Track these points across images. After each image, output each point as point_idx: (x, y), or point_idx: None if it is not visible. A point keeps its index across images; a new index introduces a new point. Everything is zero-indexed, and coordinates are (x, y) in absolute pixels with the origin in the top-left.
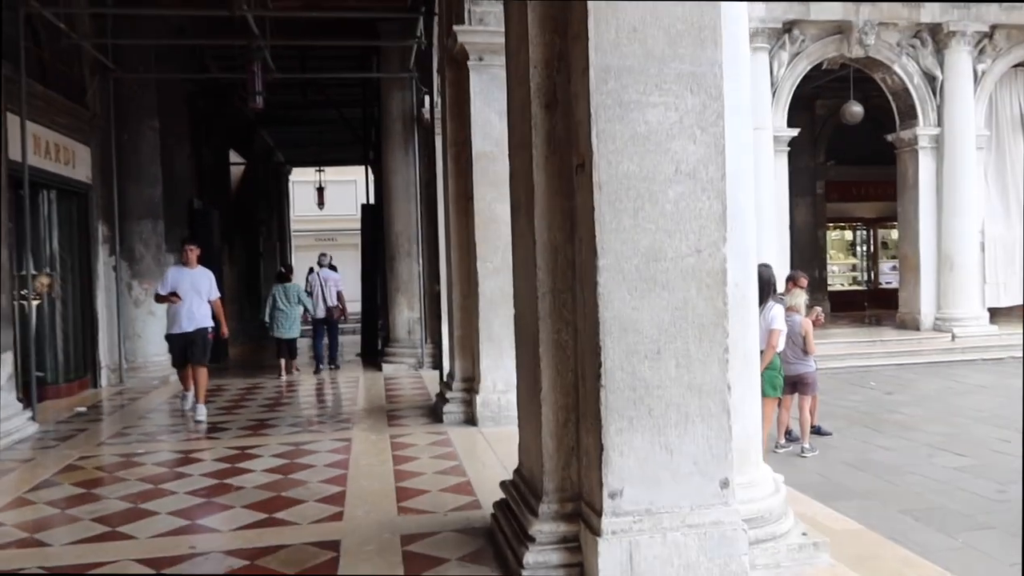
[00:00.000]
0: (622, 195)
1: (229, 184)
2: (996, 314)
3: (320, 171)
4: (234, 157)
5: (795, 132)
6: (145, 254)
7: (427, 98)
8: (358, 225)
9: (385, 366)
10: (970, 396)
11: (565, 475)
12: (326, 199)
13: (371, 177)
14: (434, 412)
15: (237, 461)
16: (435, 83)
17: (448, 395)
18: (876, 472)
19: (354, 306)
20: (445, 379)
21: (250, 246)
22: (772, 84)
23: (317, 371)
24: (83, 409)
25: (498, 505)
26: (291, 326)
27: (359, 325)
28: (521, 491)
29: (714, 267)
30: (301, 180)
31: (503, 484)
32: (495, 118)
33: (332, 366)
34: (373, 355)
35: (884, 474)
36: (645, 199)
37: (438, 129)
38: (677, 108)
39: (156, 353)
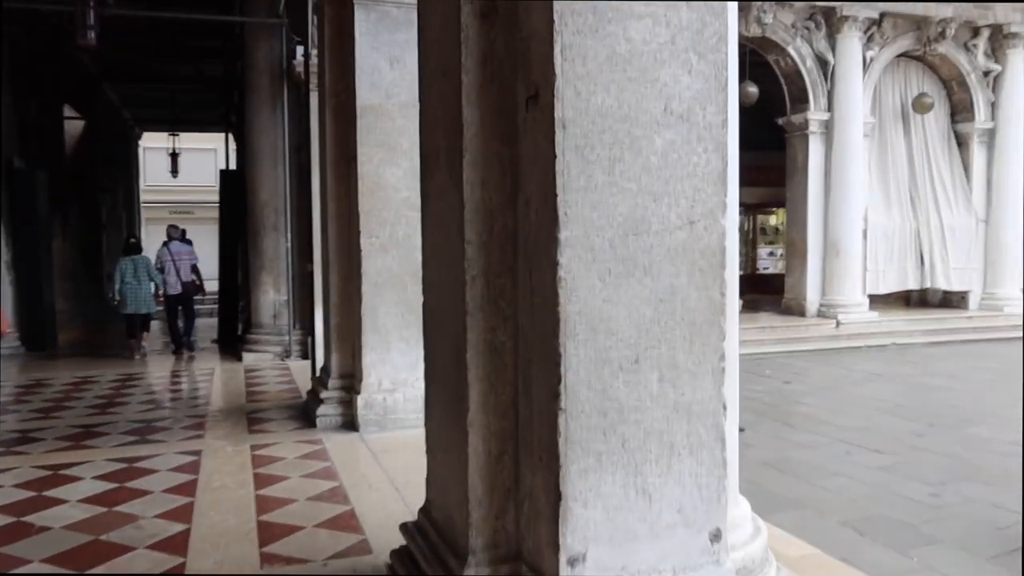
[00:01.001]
0: (594, 139)
1: (63, 144)
2: (874, 301)
3: (174, 135)
4: (72, 116)
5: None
6: None
7: (299, 49)
8: (216, 197)
9: (246, 355)
10: (867, 385)
11: (499, 526)
12: (182, 168)
13: (232, 144)
14: (305, 414)
15: (47, 487)
16: (311, 27)
17: (323, 394)
18: (800, 474)
19: (211, 285)
20: (319, 374)
21: (90, 216)
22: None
23: (176, 352)
24: None
25: (398, 556)
26: (144, 301)
27: (216, 307)
28: (432, 542)
29: (710, 244)
30: (153, 147)
31: (405, 528)
32: (384, 65)
33: (188, 349)
34: (231, 342)
35: (809, 477)
36: (625, 147)
37: (314, 82)
38: (668, 23)
39: None
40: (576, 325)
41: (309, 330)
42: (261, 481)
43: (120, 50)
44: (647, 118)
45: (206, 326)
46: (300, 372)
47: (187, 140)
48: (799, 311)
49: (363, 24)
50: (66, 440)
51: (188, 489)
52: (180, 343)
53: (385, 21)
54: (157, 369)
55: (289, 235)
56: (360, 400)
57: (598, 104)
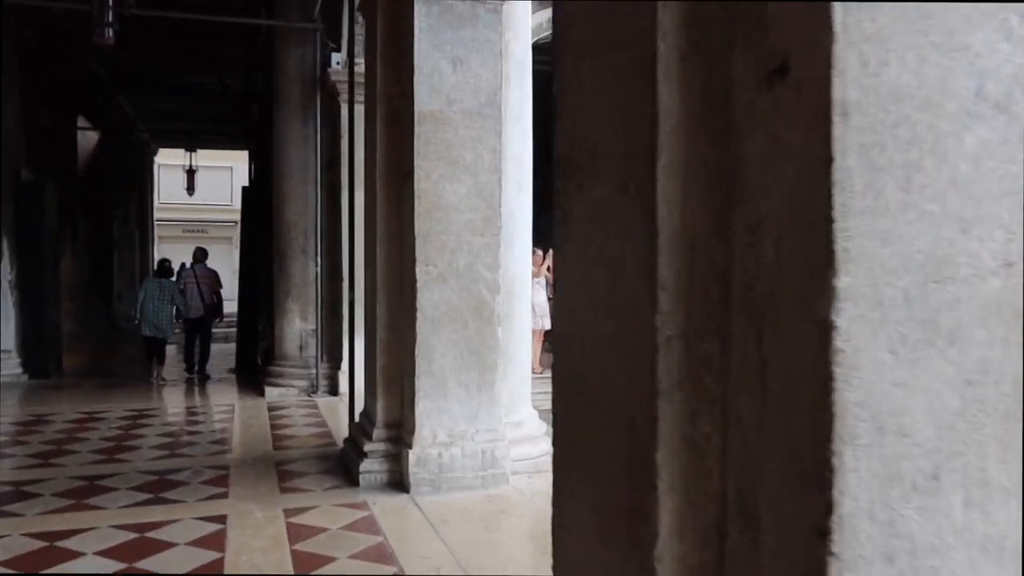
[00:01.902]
0: (885, 136)
1: (75, 157)
2: None
3: (191, 152)
4: (85, 126)
5: None
6: None
7: (335, 56)
8: (233, 217)
9: (269, 390)
10: None
11: None
12: (198, 185)
13: (253, 162)
14: (343, 467)
15: (39, 565)
16: (347, 28)
17: (367, 446)
18: None
19: (228, 307)
20: (358, 419)
21: (101, 233)
22: None
23: (190, 377)
24: None
25: None
26: (162, 325)
27: (234, 331)
28: None
29: None
30: (168, 163)
31: None
32: (446, 66)
33: (201, 375)
34: (251, 372)
35: None
36: (926, 148)
37: (356, 92)
38: None
39: None
40: (856, 423)
41: (338, 364)
42: (301, 563)
43: (137, 59)
44: (954, 105)
45: (223, 353)
46: (330, 411)
47: (203, 157)
48: None
49: (423, 19)
50: (66, 497)
51: (213, 570)
52: (194, 367)
53: (448, 16)
54: (171, 402)
55: (319, 259)
56: (411, 456)
57: (891, 81)
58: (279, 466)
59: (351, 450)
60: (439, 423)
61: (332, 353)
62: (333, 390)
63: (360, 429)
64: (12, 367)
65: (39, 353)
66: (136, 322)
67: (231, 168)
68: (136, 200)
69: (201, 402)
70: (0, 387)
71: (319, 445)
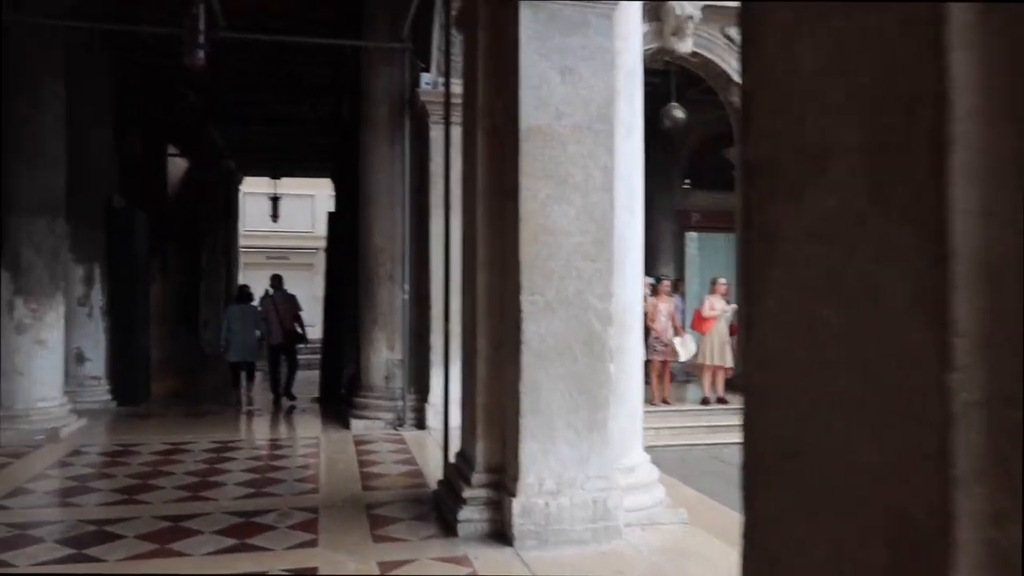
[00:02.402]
0: None
1: (165, 185)
2: None
3: (276, 179)
4: (174, 153)
5: None
6: (36, 262)
7: (424, 76)
8: (314, 244)
9: (355, 422)
10: None
11: None
12: (280, 213)
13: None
14: (438, 512)
15: None
16: (434, 48)
17: (465, 492)
18: None
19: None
20: (453, 460)
21: (189, 261)
22: None
23: (276, 401)
24: None
25: None
26: (249, 349)
27: (318, 358)
28: None
29: None
30: (252, 192)
31: None
32: (554, 76)
33: (288, 397)
34: (335, 401)
35: None
36: None
37: (441, 112)
38: None
39: (44, 397)
40: None
41: (425, 395)
42: None
43: (227, 88)
44: None
45: (306, 380)
46: (418, 446)
47: (285, 185)
48: None
49: (529, 26)
50: (150, 541)
51: None
52: (279, 392)
53: (556, 22)
54: (256, 433)
55: (406, 285)
56: (515, 505)
57: None
58: (370, 509)
59: (447, 494)
60: (546, 468)
61: (419, 384)
62: (420, 423)
63: (457, 472)
64: (102, 393)
65: (128, 380)
66: (223, 349)
67: (313, 196)
68: (223, 228)
69: (286, 434)
70: (90, 414)
71: (410, 486)
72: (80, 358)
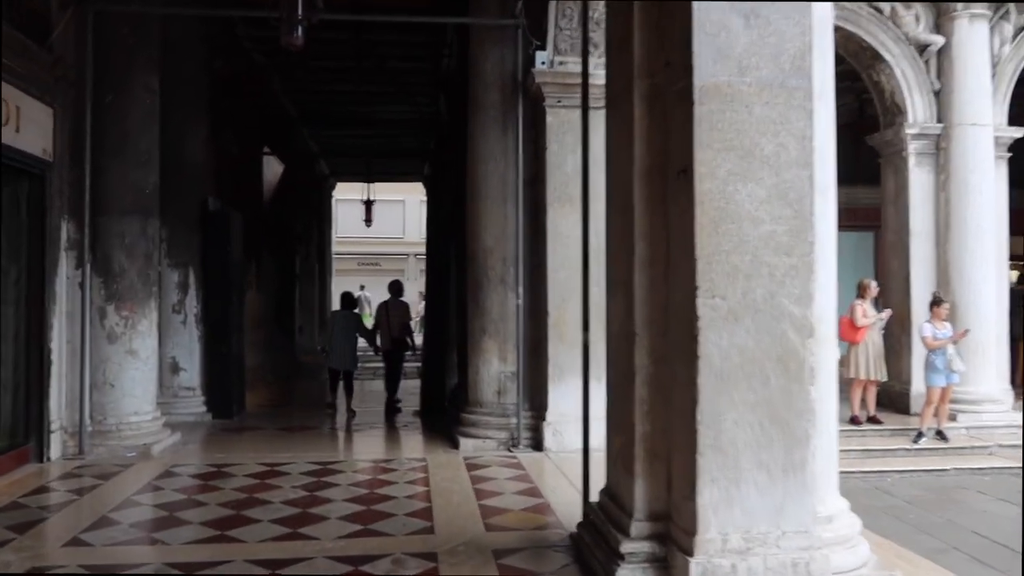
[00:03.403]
0: None
1: (261, 189)
2: None
3: (369, 183)
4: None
5: (1021, 132)
6: (128, 267)
7: (539, 55)
8: (404, 250)
9: (463, 441)
10: None
11: None
12: (372, 218)
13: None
14: (584, 567)
15: None
16: (551, 19)
17: (623, 545)
18: None
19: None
20: (599, 499)
21: (284, 266)
22: (992, 66)
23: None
24: None
25: None
26: (346, 357)
27: (418, 367)
28: None
29: None
30: (343, 198)
31: None
32: (736, 21)
33: (392, 405)
34: (437, 415)
35: None
36: None
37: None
38: None
39: (136, 411)
40: None
41: (541, 413)
42: None
43: (321, 91)
44: None
45: (406, 390)
46: (536, 471)
47: (375, 191)
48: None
49: None
50: None
51: None
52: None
53: None
54: (357, 453)
55: (520, 290)
56: (694, 567)
57: None
58: (498, 559)
59: (594, 544)
60: (730, 520)
61: (534, 401)
62: (536, 444)
63: (604, 516)
64: (196, 405)
65: (223, 391)
66: (324, 354)
67: (403, 201)
68: (317, 233)
69: (388, 453)
70: (184, 427)
71: (541, 526)
72: (175, 368)
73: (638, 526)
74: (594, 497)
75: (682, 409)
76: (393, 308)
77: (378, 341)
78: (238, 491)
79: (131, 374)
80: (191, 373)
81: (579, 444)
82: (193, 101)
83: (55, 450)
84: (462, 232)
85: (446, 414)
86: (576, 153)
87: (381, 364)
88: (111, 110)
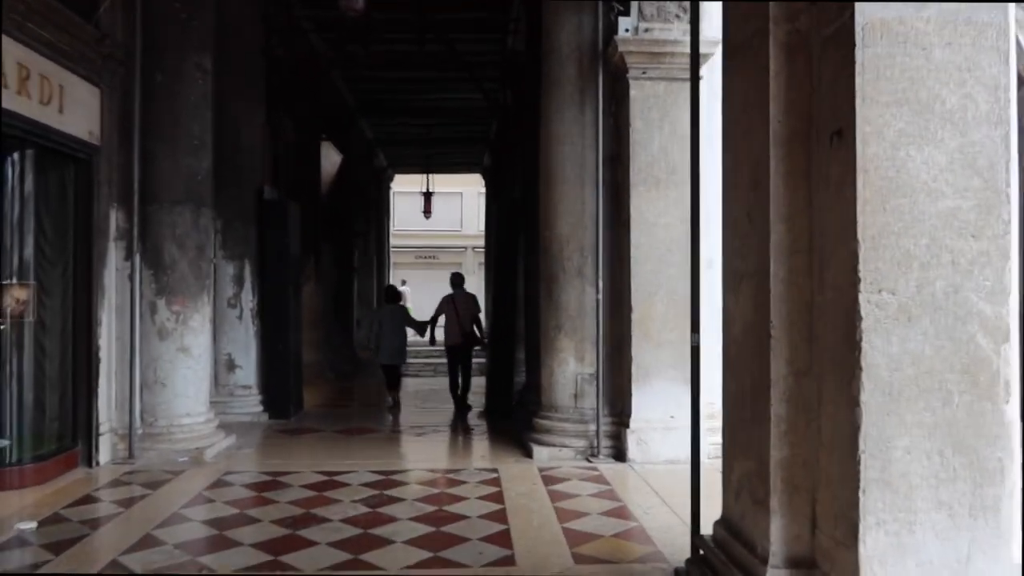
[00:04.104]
0: None
1: (319, 180)
2: None
3: (428, 174)
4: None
5: None
6: (179, 258)
7: (621, 22)
8: (461, 243)
9: (537, 449)
10: None
11: None
12: (431, 210)
13: (481, 188)
14: None
15: None
16: None
17: None
18: None
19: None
20: (714, 533)
21: (342, 259)
22: None
23: (456, 409)
24: (30, 525)
25: None
26: (395, 352)
27: (485, 364)
28: None
29: None
30: (401, 190)
31: None
32: None
33: (463, 407)
34: (505, 417)
35: None
36: None
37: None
38: None
39: (188, 412)
40: None
41: (623, 419)
42: None
43: (380, 79)
44: None
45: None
46: (621, 485)
47: (433, 183)
48: None
49: None
50: None
51: None
52: (457, 397)
53: None
54: (422, 458)
55: (600, 283)
56: None
57: None
58: None
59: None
60: (902, 574)
61: (615, 406)
62: (618, 454)
63: (727, 556)
64: (253, 404)
65: (280, 390)
66: (373, 351)
67: (461, 194)
68: (375, 225)
69: (456, 462)
70: (239, 428)
71: (640, 559)
72: (230, 365)
73: (775, 573)
74: (705, 527)
75: (835, 433)
76: (461, 301)
77: (429, 334)
78: (294, 505)
79: (183, 373)
80: (247, 371)
81: (666, 455)
82: (249, 85)
83: (104, 454)
84: (533, 220)
85: (514, 416)
86: (663, 130)
87: (439, 360)
88: (161, 91)
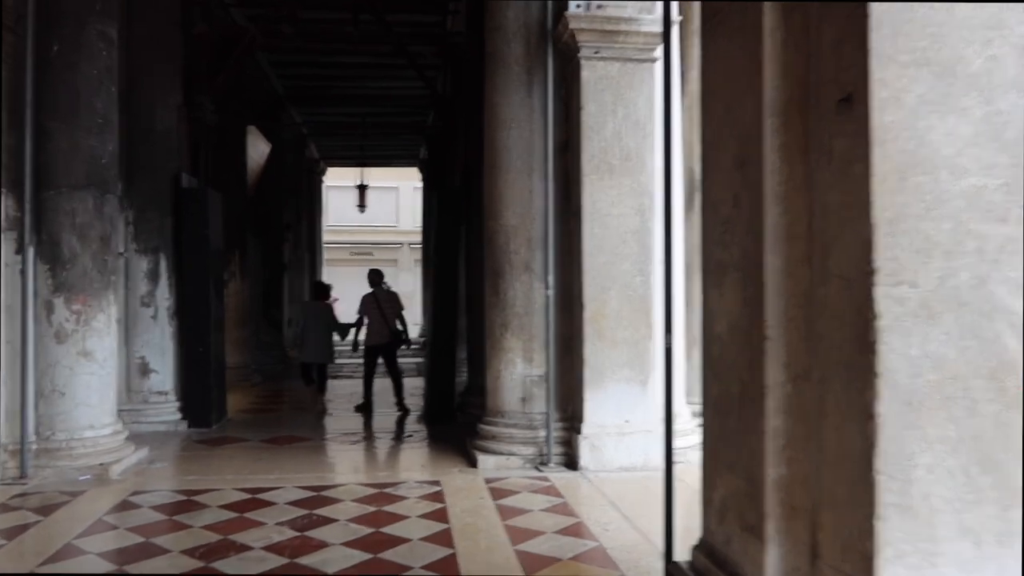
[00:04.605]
0: None
1: (244, 169)
2: None
3: (363, 167)
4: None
5: None
6: (80, 251)
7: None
8: (397, 239)
9: (482, 457)
10: None
11: None
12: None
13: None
14: None
15: None
16: None
17: None
18: None
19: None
20: (692, 559)
21: (271, 255)
22: None
23: (365, 409)
24: None
25: None
26: (319, 350)
27: (422, 367)
28: None
29: None
30: (335, 184)
31: None
32: None
33: (401, 408)
34: (446, 422)
35: None
36: None
37: (605, 37)
38: None
39: (92, 423)
40: None
41: (574, 424)
42: None
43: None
44: None
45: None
46: (574, 498)
47: (367, 178)
48: None
49: None
50: None
51: None
52: (370, 399)
53: None
54: (356, 471)
55: (551, 279)
56: None
57: None
58: None
59: None
60: None
61: (566, 410)
62: (570, 462)
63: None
64: (170, 412)
65: (200, 396)
66: (296, 348)
67: (397, 188)
68: (306, 220)
69: (394, 474)
70: (155, 438)
71: None
72: (144, 369)
73: None
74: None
75: (841, 447)
76: (384, 299)
77: (354, 336)
78: (210, 530)
79: (85, 380)
80: (163, 375)
81: (621, 461)
82: (164, 61)
83: None
84: (476, 211)
85: (456, 421)
86: (617, 114)
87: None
88: (58, 62)
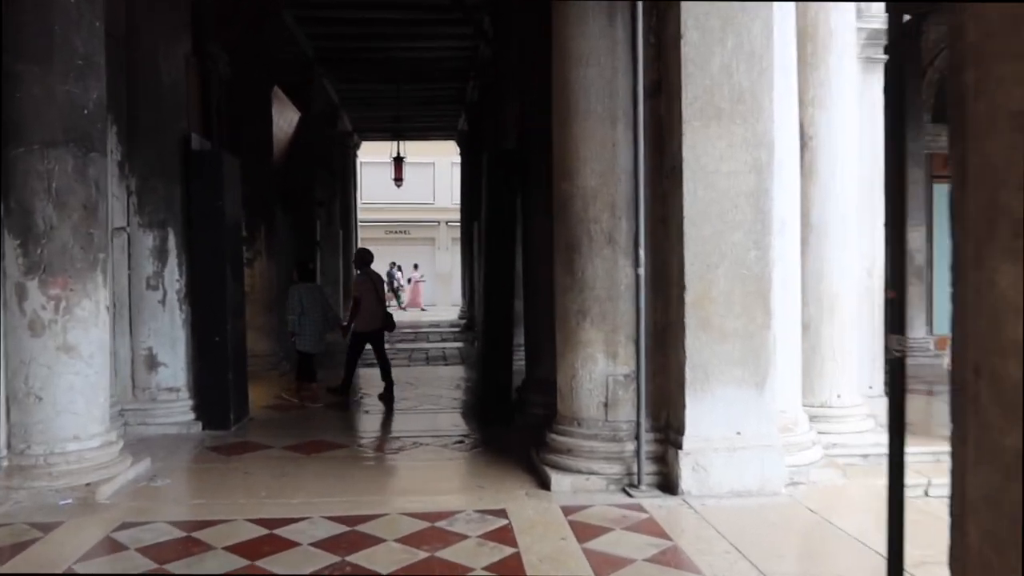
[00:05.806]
0: None
1: (269, 133)
2: None
3: (399, 140)
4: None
5: None
6: (59, 222)
7: None
8: (434, 216)
9: (556, 478)
10: None
11: None
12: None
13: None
14: None
15: None
16: None
17: None
18: None
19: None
20: None
21: (302, 232)
22: None
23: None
24: None
25: None
26: (316, 339)
27: (477, 358)
28: None
29: None
30: (369, 161)
31: None
32: None
33: (389, 396)
34: (503, 423)
35: None
36: None
37: None
38: None
39: (77, 434)
40: None
41: (671, 436)
42: None
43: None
44: None
45: (451, 382)
46: (681, 534)
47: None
48: None
49: None
50: None
51: None
52: (347, 386)
53: None
54: (400, 494)
55: (640, 253)
56: None
57: None
58: None
59: None
60: None
61: (659, 418)
62: (666, 484)
63: None
64: (181, 412)
65: (216, 393)
66: (293, 336)
67: (433, 164)
68: (340, 196)
69: (448, 499)
70: (162, 444)
71: None
72: (152, 363)
73: None
74: None
75: None
76: (380, 282)
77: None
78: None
79: (67, 380)
80: (174, 369)
81: (731, 484)
82: (170, 8)
83: None
84: (535, 182)
85: (514, 422)
86: (726, 44)
87: (415, 345)
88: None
